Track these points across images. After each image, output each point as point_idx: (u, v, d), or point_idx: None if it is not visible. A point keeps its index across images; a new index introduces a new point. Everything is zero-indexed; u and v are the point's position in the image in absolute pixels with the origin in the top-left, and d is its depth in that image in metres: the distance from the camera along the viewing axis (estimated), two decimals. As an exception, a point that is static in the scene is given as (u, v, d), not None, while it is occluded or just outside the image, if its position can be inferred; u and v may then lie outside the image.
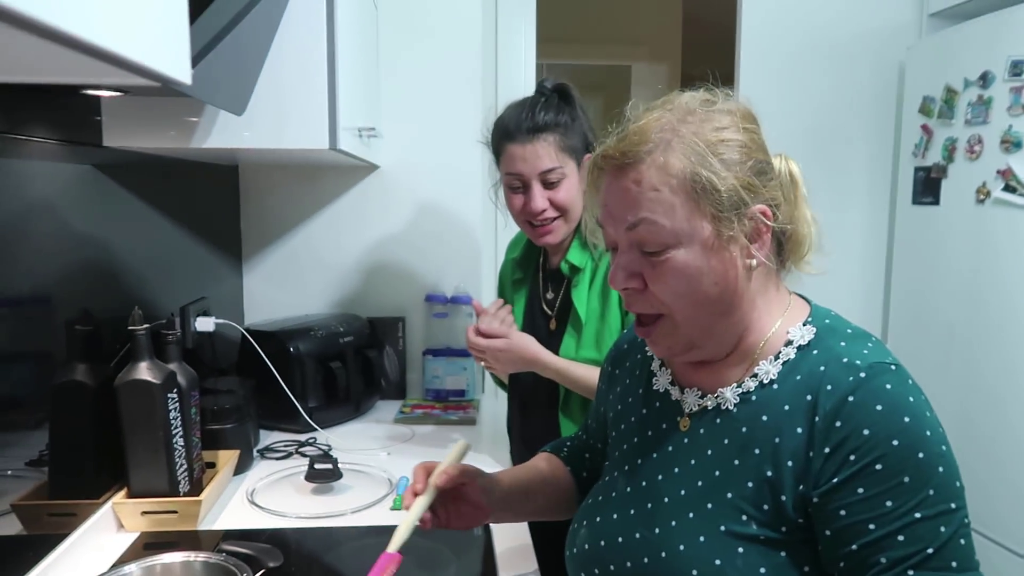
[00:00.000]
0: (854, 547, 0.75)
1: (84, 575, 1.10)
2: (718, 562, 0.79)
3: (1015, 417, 1.91)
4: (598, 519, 0.93)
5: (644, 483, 0.90)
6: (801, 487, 0.78)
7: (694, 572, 0.80)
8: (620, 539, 0.88)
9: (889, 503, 0.73)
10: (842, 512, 0.75)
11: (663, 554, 0.83)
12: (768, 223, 0.82)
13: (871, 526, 0.74)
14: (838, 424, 0.76)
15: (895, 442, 0.74)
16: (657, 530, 0.85)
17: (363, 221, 2.12)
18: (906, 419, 0.75)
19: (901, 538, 0.73)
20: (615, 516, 0.91)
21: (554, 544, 1.39)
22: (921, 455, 0.74)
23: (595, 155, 0.86)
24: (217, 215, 2.02)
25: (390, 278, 1.91)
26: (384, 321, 2.12)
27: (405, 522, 0.94)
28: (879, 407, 0.75)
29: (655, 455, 0.91)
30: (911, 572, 0.73)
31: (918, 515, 0.73)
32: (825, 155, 2.45)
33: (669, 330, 0.85)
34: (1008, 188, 1.91)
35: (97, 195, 1.36)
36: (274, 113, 1.34)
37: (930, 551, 0.73)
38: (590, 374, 1.34)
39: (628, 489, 0.92)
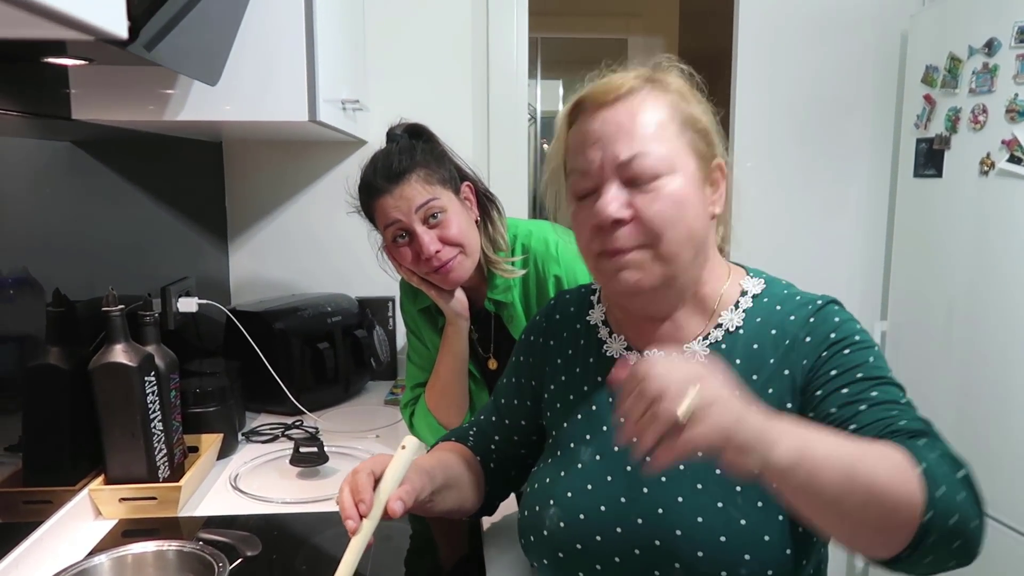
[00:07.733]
0: (833, 410, 0.79)
1: (58, 563, 1.06)
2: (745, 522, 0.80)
3: (1020, 395, 1.87)
4: (569, 494, 0.88)
5: (616, 449, 0.88)
6: (789, 405, 0.82)
7: (702, 545, 0.80)
8: (603, 508, 0.85)
9: (860, 374, 0.80)
10: (818, 392, 0.81)
11: (659, 509, 0.82)
12: (723, 178, 0.89)
13: (844, 390, 0.79)
14: (808, 339, 0.84)
15: (857, 337, 0.84)
16: (660, 511, 0.83)
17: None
18: (859, 335, 0.84)
19: (875, 394, 0.78)
20: (589, 487, 0.88)
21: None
22: (876, 352, 0.83)
23: (569, 104, 0.88)
24: (201, 193, 1.97)
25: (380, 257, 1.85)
26: (374, 301, 2.07)
27: (348, 560, 0.82)
28: (837, 319, 0.85)
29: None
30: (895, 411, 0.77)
31: (888, 375, 0.81)
32: (825, 128, 2.40)
33: (647, 260, 0.84)
34: (1013, 159, 1.86)
35: (73, 172, 1.31)
36: (251, 84, 1.28)
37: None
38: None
39: (598, 457, 0.89)
